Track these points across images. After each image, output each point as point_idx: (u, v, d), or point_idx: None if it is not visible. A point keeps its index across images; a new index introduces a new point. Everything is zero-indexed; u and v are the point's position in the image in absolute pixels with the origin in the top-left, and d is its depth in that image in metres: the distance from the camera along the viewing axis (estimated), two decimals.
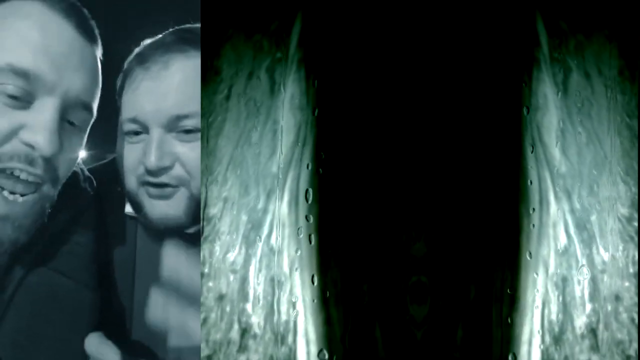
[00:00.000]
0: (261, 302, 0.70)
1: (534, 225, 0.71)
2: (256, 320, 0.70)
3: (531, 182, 0.71)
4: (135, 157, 0.80)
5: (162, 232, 0.83)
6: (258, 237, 0.70)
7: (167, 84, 0.77)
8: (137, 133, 0.80)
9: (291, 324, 0.70)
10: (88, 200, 0.82)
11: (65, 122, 0.70)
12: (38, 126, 0.65)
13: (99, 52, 0.75)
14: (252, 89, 0.71)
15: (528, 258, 0.70)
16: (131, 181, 0.81)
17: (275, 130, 0.71)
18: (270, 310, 0.70)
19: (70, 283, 0.75)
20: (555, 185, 0.69)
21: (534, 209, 0.71)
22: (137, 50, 0.84)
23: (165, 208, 0.79)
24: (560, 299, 0.68)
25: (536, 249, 0.69)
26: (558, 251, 0.68)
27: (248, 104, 0.71)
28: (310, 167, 0.71)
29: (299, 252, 0.71)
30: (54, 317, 0.72)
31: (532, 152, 0.69)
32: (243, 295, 0.70)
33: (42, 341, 0.71)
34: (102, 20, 0.76)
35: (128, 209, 0.86)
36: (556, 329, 0.68)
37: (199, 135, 0.78)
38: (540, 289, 0.68)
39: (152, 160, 0.76)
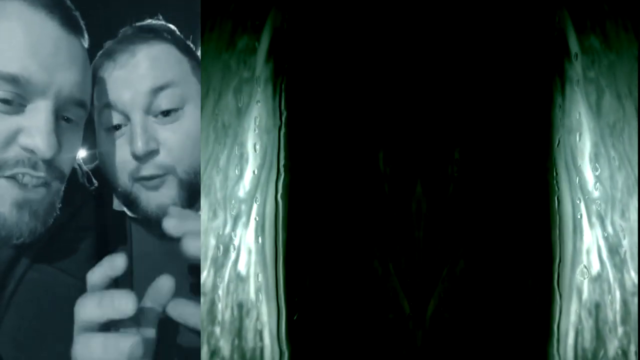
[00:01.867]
0: (228, 326, 0.69)
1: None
2: (224, 344, 0.69)
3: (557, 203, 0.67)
4: (122, 151, 0.80)
5: (155, 225, 0.82)
6: (225, 262, 0.69)
7: (138, 69, 0.79)
8: (117, 127, 0.80)
9: (258, 352, 0.69)
10: (86, 196, 0.83)
11: (61, 120, 0.69)
12: (35, 130, 0.64)
13: (86, 43, 0.74)
14: (220, 110, 0.69)
15: (559, 288, 0.68)
16: (124, 180, 0.81)
17: (243, 154, 0.69)
18: (238, 336, 0.69)
19: (70, 280, 0.75)
20: (589, 211, 0.67)
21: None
22: (100, 52, 0.85)
23: (159, 197, 0.80)
24: (594, 325, 0.67)
25: (570, 277, 0.67)
26: (591, 277, 0.68)
27: (216, 126, 0.70)
28: (277, 191, 0.69)
29: (265, 280, 0.69)
30: (54, 315, 0.72)
31: (566, 175, 0.67)
32: (211, 318, 0.69)
33: (42, 338, 0.71)
34: (85, 7, 0.75)
35: (116, 206, 0.87)
36: (589, 356, 0.67)
37: (178, 114, 0.80)
38: (574, 318, 0.67)
39: (140, 145, 0.77)
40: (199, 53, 0.87)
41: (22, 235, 0.66)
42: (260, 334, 0.69)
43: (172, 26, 0.88)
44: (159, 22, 0.88)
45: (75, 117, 0.71)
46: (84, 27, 0.73)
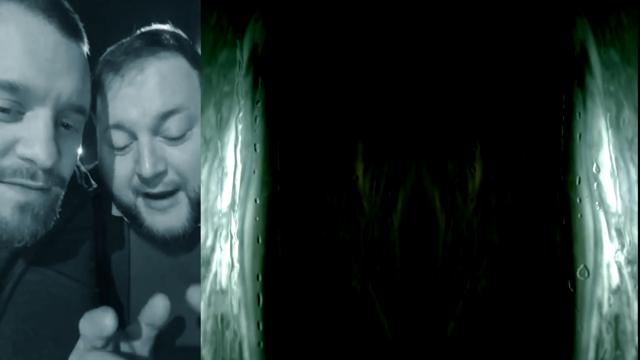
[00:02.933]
0: (209, 337, 0.69)
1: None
2: (206, 354, 0.69)
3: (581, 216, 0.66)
4: (126, 168, 0.78)
5: (160, 243, 0.82)
6: (207, 274, 0.69)
7: (146, 88, 0.76)
8: (124, 144, 0.78)
9: None
10: (85, 197, 0.81)
11: (61, 126, 0.67)
12: (34, 139, 0.62)
13: (85, 48, 0.72)
14: (203, 125, 0.68)
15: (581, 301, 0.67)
16: (127, 194, 0.79)
17: (223, 168, 0.68)
18: (219, 348, 0.69)
19: (68, 282, 0.75)
20: (609, 225, 0.67)
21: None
22: (102, 57, 0.81)
23: (169, 221, 0.78)
24: (613, 337, 0.67)
25: (591, 290, 0.67)
26: (611, 290, 0.68)
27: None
28: (256, 206, 0.68)
29: (245, 294, 0.69)
30: (52, 316, 0.72)
31: (587, 189, 0.66)
32: None
33: (40, 340, 0.70)
34: (84, 11, 0.72)
35: (115, 211, 0.85)
36: None
37: (186, 136, 0.78)
38: (595, 331, 0.67)
39: (147, 168, 0.75)
40: None
41: (24, 238, 0.65)
42: (240, 346, 0.69)
43: (180, 32, 0.84)
44: (167, 28, 0.85)
45: (74, 123, 0.70)
46: (83, 30, 0.70)
